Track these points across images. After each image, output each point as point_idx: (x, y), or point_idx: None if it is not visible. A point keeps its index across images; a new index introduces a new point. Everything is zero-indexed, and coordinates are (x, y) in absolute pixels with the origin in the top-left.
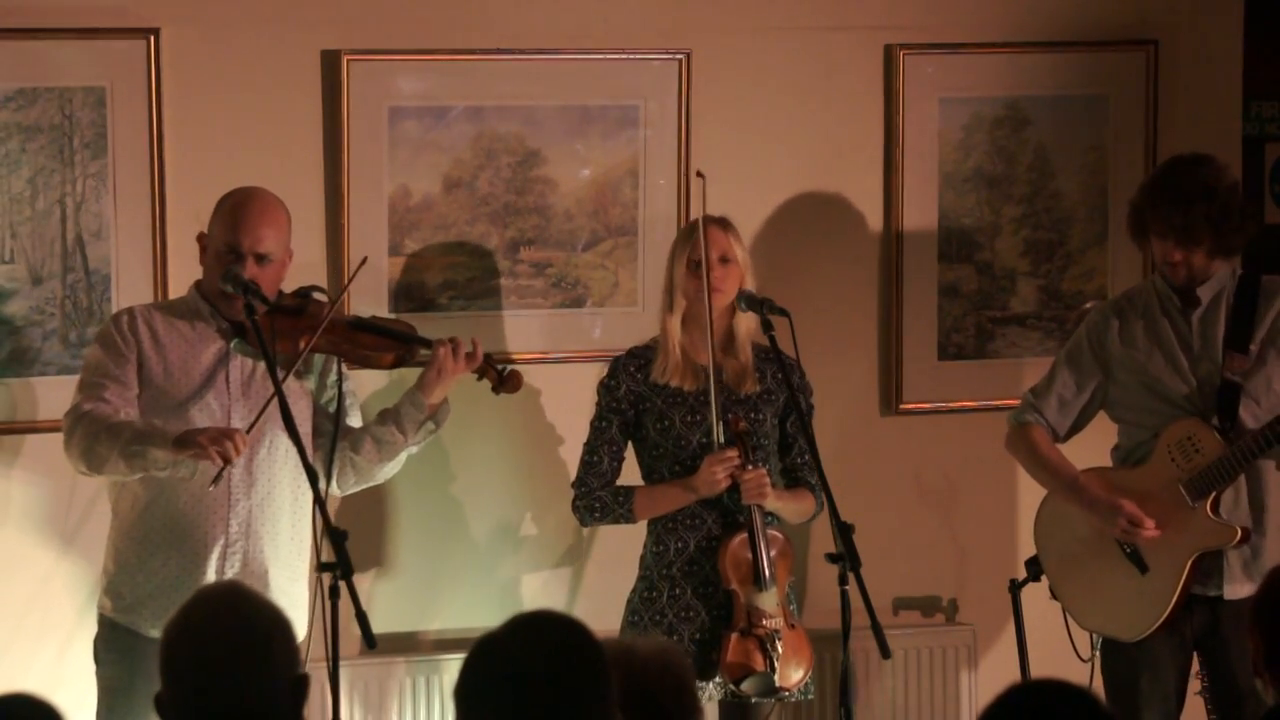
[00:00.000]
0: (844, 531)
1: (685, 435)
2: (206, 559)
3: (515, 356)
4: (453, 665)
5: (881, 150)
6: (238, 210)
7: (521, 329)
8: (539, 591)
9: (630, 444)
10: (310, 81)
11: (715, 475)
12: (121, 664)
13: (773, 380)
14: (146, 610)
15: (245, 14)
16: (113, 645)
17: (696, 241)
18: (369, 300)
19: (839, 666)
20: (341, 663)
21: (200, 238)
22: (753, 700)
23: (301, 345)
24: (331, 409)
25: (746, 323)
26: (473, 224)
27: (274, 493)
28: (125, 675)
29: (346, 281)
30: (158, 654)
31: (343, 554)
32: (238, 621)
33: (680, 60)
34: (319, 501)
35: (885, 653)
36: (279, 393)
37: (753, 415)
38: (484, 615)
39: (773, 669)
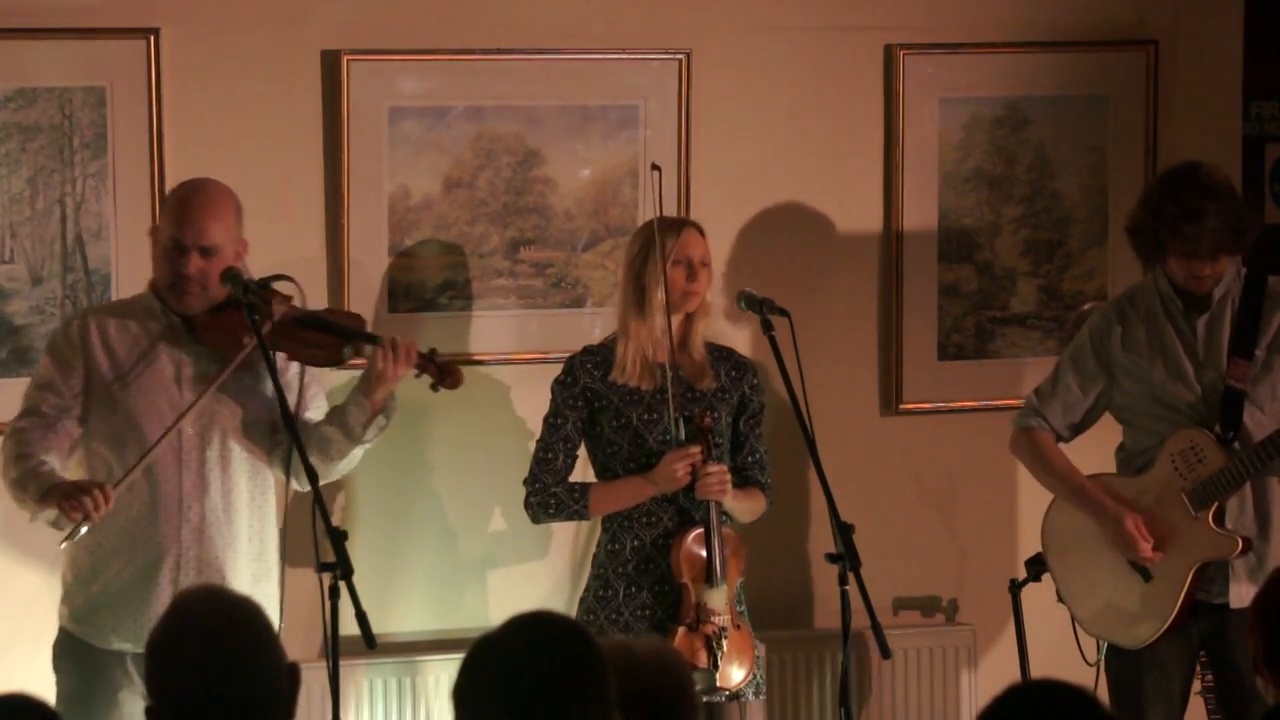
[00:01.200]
0: (844, 531)
1: (642, 434)
2: (160, 568)
3: (515, 356)
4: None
5: (881, 150)
6: (183, 203)
7: (521, 329)
8: (539, 592)
9: (584, 443)
10: (310, 81)
11: (676, 470)
12: (75, 673)
13: (726, 378)
14: (99, 620)
15: (245, 14)
16: (68, 655)
17: (685, 242)
18: (369, 300)
19: (839, 666)
20: (342, 663)
21: (152, 232)
22: (720, 699)
23: (246, 343)
24: (292, 404)
25: (702, 321)
26: (473, 224)
27: (229, 495)
28: (81, 686)
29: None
30: (113, 665)
31: (342, 554)
32: (228, 621)
33: (680, 60)
34: (319, 501)
35: (885, 653)
36: (279, 392)
37: (711, 413)
38: (486, 616)
39: (715, 666)
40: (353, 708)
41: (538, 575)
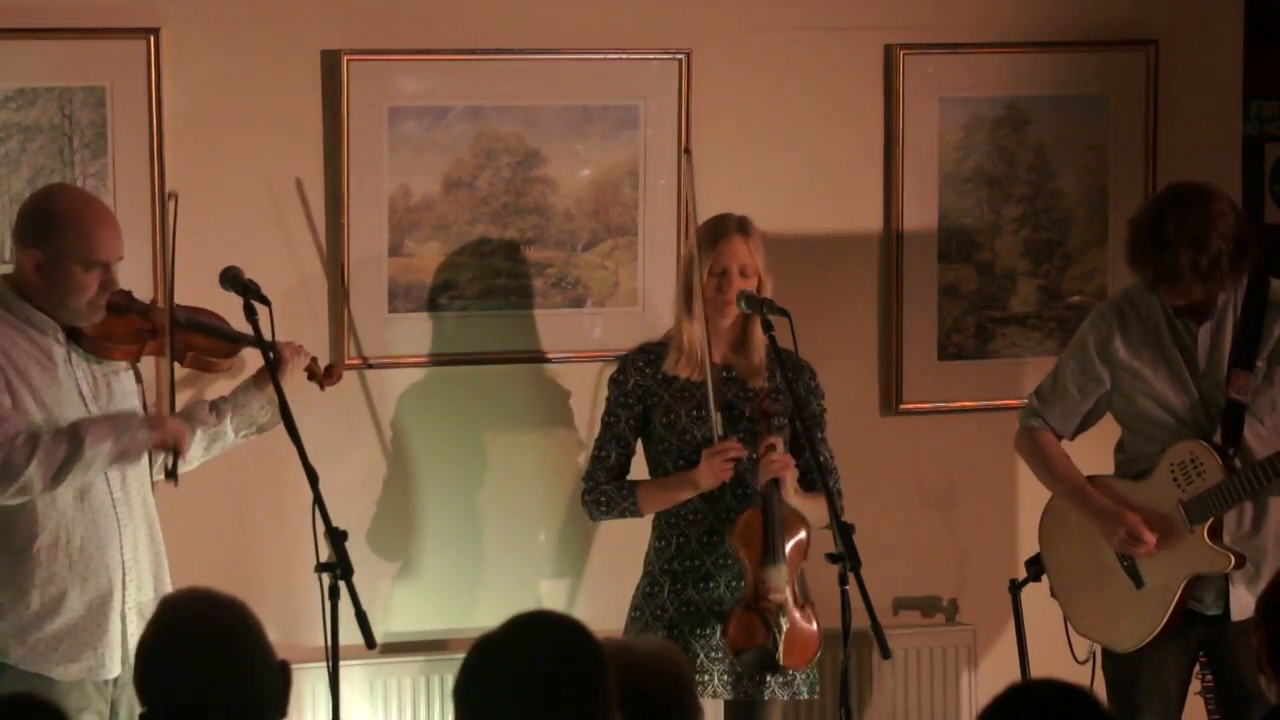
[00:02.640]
0: (844, 531)
1: (690, 430)
2: (113, 591)
3: (515, 356)
4: (451, 666)
5: (881, 150)
6: (94, 224)
7: (521, 329)
8: (539, 592)
9: (640, 440)
10: (310, 81)
11: (715, 466)
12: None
13: (781, 379)
14: (60, 653)
15: (245, 14)
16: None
17: (722, 251)
18: (369, 300)
19: (839, 666)
20: (342, 663)
21: (38, 257)
22: (764, 698)
23: (148, 349)
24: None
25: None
26: (473, 224)
27: (147, 504)
28: None
29: (171, 229)
30: (67, 694)
31: (342, 554)
32: (217, 621)
33: (680, 60)
34: (318, 501)
35: (885, 653)
36: (280, 394)
37: (768, 398)
38: (486, 616)
39: (774, 644)
40: (353, 708)
41: (538, 576)
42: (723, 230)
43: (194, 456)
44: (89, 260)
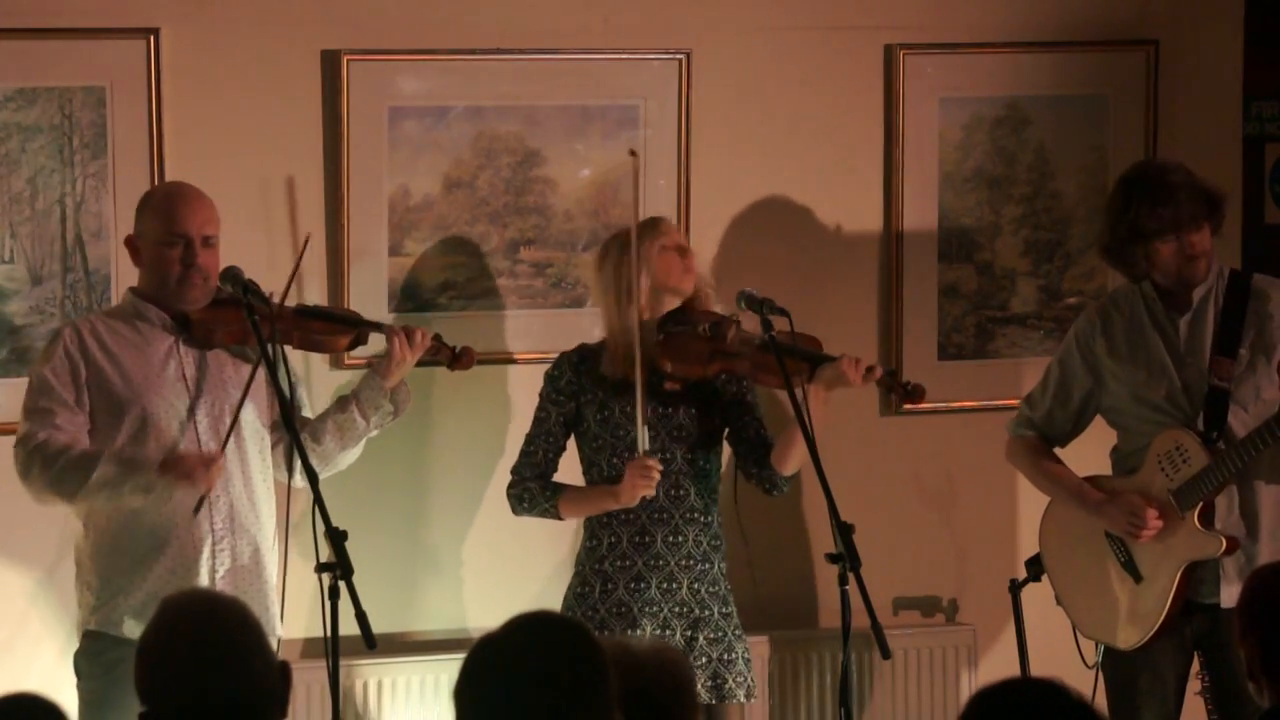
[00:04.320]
0: (844, 531)
1: (624, 425)
2: (197, 560)
3: (516, 356)
4: (451, 665)
5: (881, 150)
6: (173, 200)
7: (521, 329)
8: (540, 591)
9: (574, 438)
10: (310, 81)
11: (635, 480)
12: (106, 677)
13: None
14: (143, 619)
15: (245, 14)
16: (97, 659)
17: (667, 230)
18: (370, 300)
19: (839, 666)
20: (341, 663)
21: (129, 240)
22: (717, 701)
23: (250, 337)
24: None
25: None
26: (473, 224)
27: (250, 486)
28: (110, 689)
29: (297, 260)
30: None
31: (343, 554)
32: (217, 622)
33: (680, 60)
34: (318, 501)
35: (885, 653)
36: (279, 390)
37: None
38: (486, 616)
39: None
40: (353, 708)
41: (538, 576)
42: (656, 218)
43: (328, 451)
44: (168, 234)
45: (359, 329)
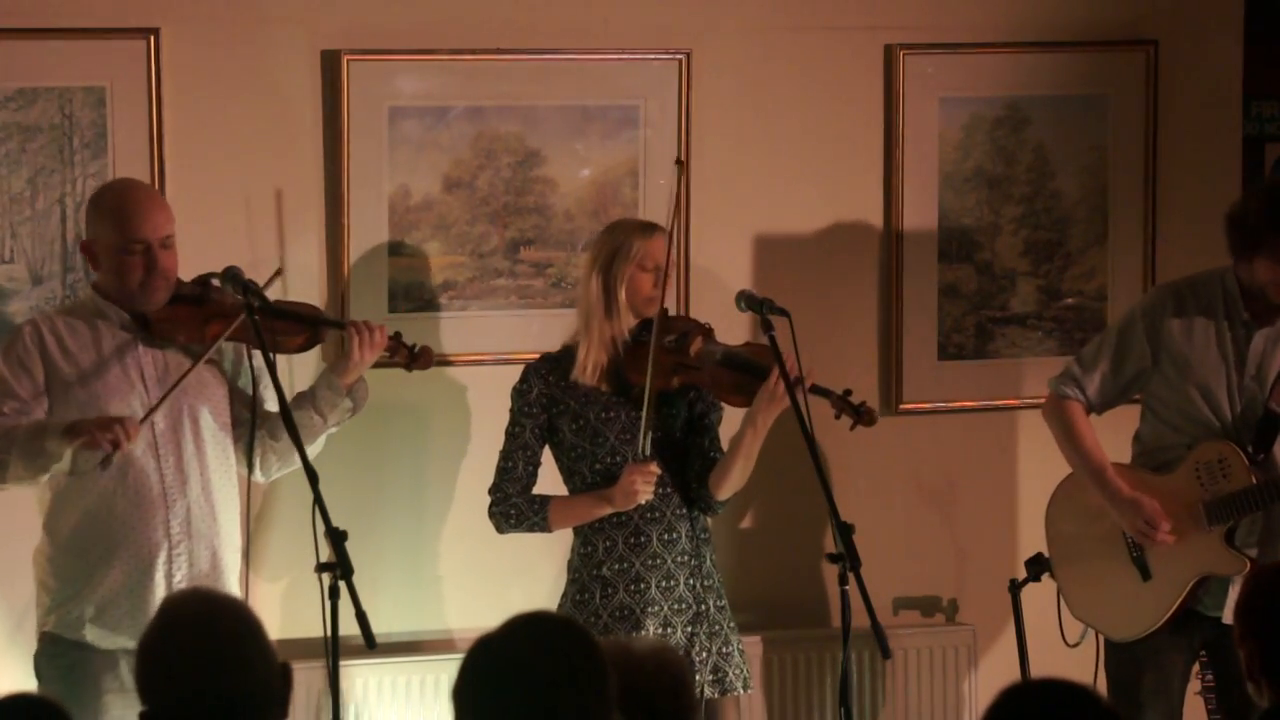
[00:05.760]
0: (844, 531)
1: (603, 431)
2: (153, 564)
3: (516, 356)
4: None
5: (881, 150)
6: (126, 205)
7: (521, 329)
8: (540, 591)
9: (550, 450)
10: (310, 81)
11: (635, 486)
12: (67, 679)
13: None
14: (98, 624)
15: (245, 14)
16: (57, 661)
17: (656, 248)
18: (369, 300)
19: (839, 666)
20: (341, 663)
21: (85, 246)
22: (719, 694)
23: (211, 333)
24: (249, 395)
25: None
26: (473, 224)
27: (208, 487)
28: (70, 690)
29: (266, 283)
30: (105, 668)
31: (342, 554)
32: (218, 622)
33: (680, 60)
34: (319, 501)
35: (885, 653)
36: (278, 389)
37: (668, 409)
38: (487, 616)
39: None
40: (353, 708)
41: (538, 576)
42: (653, 226)
43: (285, 447)
44: (126, 241)
45: (316, 328)
